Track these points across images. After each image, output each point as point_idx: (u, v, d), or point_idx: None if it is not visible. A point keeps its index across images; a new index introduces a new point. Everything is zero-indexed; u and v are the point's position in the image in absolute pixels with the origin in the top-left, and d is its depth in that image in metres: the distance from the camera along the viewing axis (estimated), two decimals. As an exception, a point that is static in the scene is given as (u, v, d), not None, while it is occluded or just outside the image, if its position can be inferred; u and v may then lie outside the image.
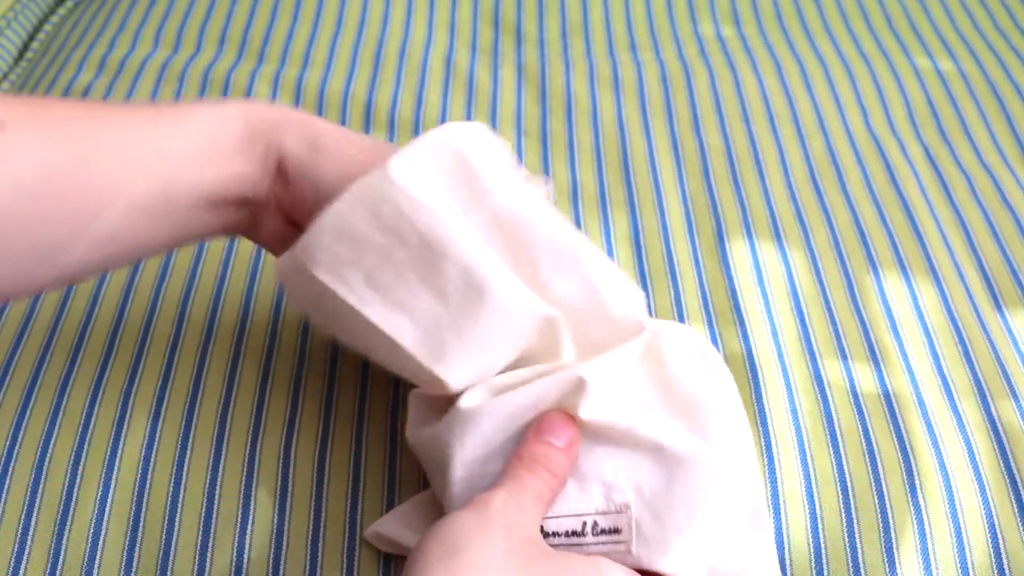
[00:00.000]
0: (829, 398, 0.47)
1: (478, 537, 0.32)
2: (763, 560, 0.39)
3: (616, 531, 0.36)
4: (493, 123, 0.65)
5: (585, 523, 0.36)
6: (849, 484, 0.44)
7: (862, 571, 0.41)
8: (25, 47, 0.77)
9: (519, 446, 0.37)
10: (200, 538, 0.42)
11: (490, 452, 0.37)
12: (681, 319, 0.51)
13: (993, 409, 0.47)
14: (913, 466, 0.44)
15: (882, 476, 0.44)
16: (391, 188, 0.36)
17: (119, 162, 0.35)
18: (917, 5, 0.78)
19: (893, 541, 0.42)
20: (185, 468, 0.44)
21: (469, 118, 0.65)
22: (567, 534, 0.36)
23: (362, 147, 0.40)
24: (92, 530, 0.42)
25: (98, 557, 0.41)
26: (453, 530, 0.33)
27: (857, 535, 0.42)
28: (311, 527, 0.42)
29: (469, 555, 0.32)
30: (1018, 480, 0.44)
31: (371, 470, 0.44)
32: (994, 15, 0.77)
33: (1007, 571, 0.41)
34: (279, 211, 0.41)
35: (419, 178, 0.36)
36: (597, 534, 0.36)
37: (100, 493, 0.43)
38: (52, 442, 0.45)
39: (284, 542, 0.42)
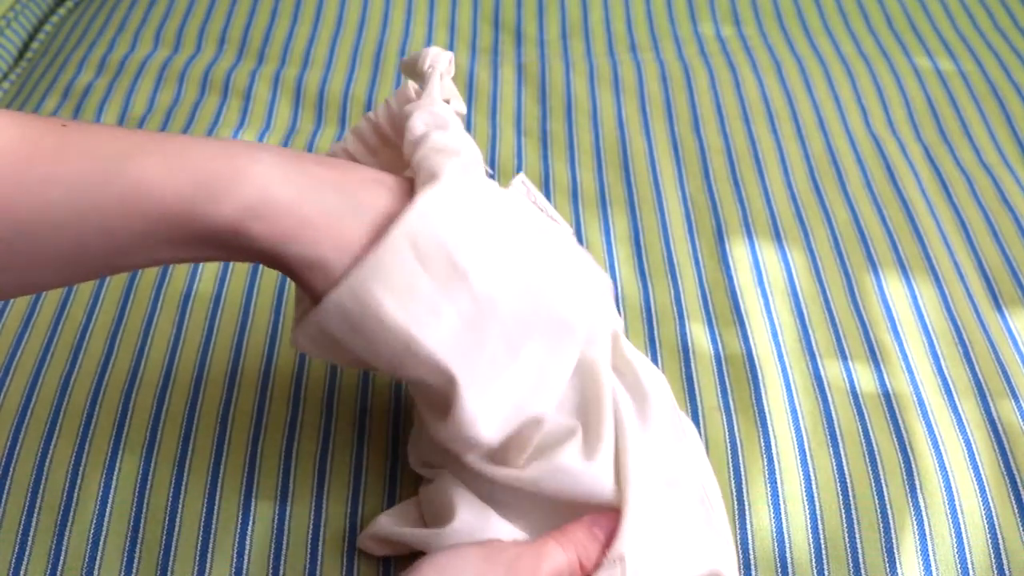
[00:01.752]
0: (829, 398, 0.47)
1: (477, 574, 0.32)
2: (715, 542, 0.39)
3: None
4: (493, 123, 0.65)
5: None
6: (849, 484, 0.44)
7: (862, 571, 0.41)
8: (25, 47, 0.77)
9: (567, 525, 0.36)
10: (200, 539, 0.42)
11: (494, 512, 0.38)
12: (681, 319, 0.51)
13: (993, 409, 0.47)
14: (913, 466, 0.44)
15: (882, 476, 0.44)
16: (368, 304, 0.33)
17: (61, 236, 0.31)
18: (917, 5, 0.78)
19: (893, 541, 0.42)
20: (186, 469, 0.44)
21: (469, 118, 0.65)
22: None
23: (340, 199, 0.34)
24: (92, 531, 0.42)
25: (98, 558, 0.42)
26: (455, 561, 0.33)
27: (857, 535, 0.42)
28: (311, 528, 0.42)
29: None
30: (1018, 480, 0.44)
31: (372, 472, 0.44)
32: (994, 15, 0.77)
33: (1007, 571, 0.41)
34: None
35: (396, 281, 0.33)
36: None
37: (101, 494, 0.43)
38: (53, 443, 0.45)
39: (284, 543, 0.42)
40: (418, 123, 0.37)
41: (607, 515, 0.36)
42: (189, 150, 0.32)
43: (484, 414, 0.35)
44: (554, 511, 0.38)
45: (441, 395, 0.35)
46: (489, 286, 0.34)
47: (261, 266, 0.53)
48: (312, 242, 0.32)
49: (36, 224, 0.31)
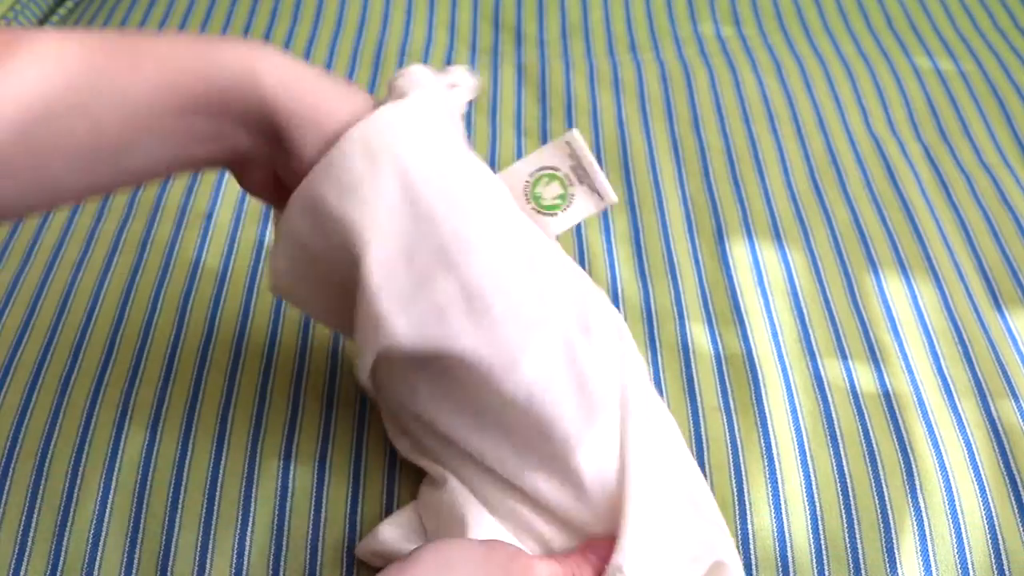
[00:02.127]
0: (829, 398, 0.47)
1: (475, 564, 0.33)
2: (711, 531, 0.39)
3: None
4: (493, 123, 0.65)
5: None
6: (849, 484, 0.44)
7: (863, 571, 0.41)
8: (25, 47, 0.77)
9: (568, 552, 0.37)
10: (200, 539, 0.42)
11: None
12: (681, 319, 0.51)
13: (993, 409, 0.47)
14: (913, 466, 0.44)
15: (882, 476, 0.44)
16: (318, 198, 0.35)
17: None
18: (917, 5, 0.78)
19: (893, 541, 0.42)
20: (186, 469, 0.44)
21: (469, 118, 0.65)
22: None
23: (341, 103, 0.36)
24: (92, 531, 0.42)
25: (98, 558, 0.42)
26: (455, 550, 0.33)
27: (858, 535, 0.42)
28: (311, 528, 0.42)
29: (459, 573, 0.32)
30: (1018, 480, 0.44)
31: (371, 472, 0.44)
32: (994, 15, 0.77)
33: (1007, 571, 0.42)
34: (269, 165, 0.38)
35: (344, 179, 0.35)
36: None
37: (101, 494, 0.43)
38: (53, 443, 0.45)
39: (284, 544, 0.42)
40: (414, 68, 0.38)
41: (601, 543, 0.37)
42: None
43: (396, 306, 0.35)
44: (561, 531, 0.38)
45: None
46: (432, 201, 0.35)
47: (261, 267, 0.53)
48: (322, 119, 0.35)
49: (51, 110, 0.31)
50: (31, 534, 0.42)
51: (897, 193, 0.59)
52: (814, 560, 0.42)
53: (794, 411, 0.47)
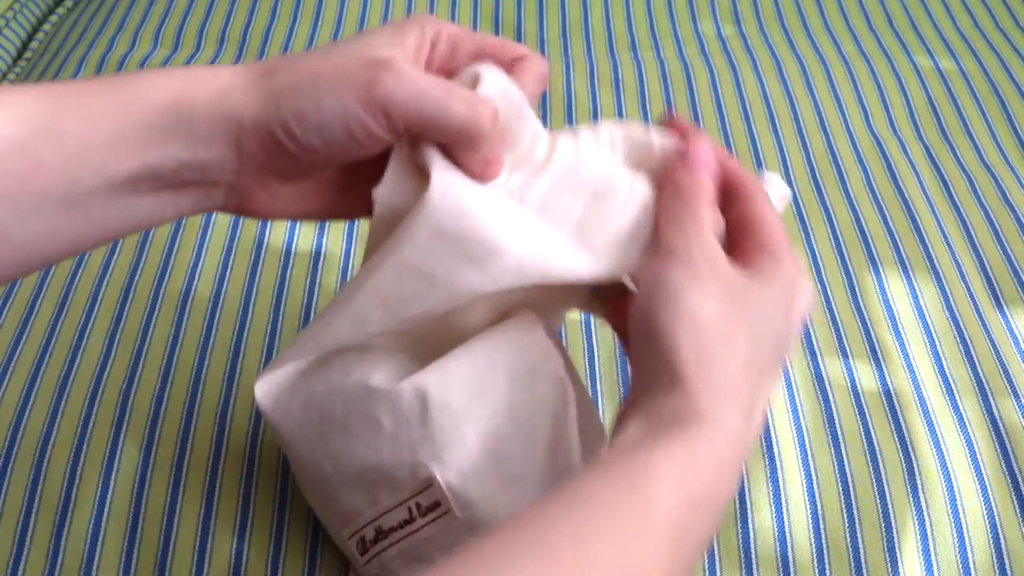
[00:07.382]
0: (830, 397, 0.47)
1: (691, 288, 0.30)
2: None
3: (436, 504, 0.34)
4: (493, 122, 0.64)
5: (410, 508, 0.35)
6: (851, 483, 0.44)
7: (864, 570, 0.41)
8: (24, 46, 0.77)
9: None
10: (199, 539, 0.42)
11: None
12: (682, 318, 0.51)
13: (994, 407, 0.47)
14: (914, 465, 0.44)
15: (883, 475, 0.44)
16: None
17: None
18: (918, 4, 0.78)
19: (895, 540, 0.42)
20: (184, 469, 0.44)
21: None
22: (400, 525, 0.35)
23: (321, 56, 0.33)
24: (91, 531, 0.42)
25: (97, 558, 0.41)
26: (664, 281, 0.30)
27: (859, 534, 0.42)
28: (310, 528, 0.42)
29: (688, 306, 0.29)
30: (1019, 479, 0.44)
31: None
32: (995, 14, 0.77)
33: (1008, 569, 0.41)
34: (268, 168, 0.33)
35: None
36: (424, 514, 0.35)
37: (99, 494, 0.43)
38: (51, 443, 0.45)
39: (283, 542, 0.42)
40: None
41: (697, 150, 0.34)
42: None
43: None
44: None
45: None
46: None
47: (260, 266, 0.53)
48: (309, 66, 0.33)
49: None
50: (29, 534, 0.42)
51: (898, 192, 0.59)
52: (815, 559, 0.41)
53: (795, 410, 0.46)
